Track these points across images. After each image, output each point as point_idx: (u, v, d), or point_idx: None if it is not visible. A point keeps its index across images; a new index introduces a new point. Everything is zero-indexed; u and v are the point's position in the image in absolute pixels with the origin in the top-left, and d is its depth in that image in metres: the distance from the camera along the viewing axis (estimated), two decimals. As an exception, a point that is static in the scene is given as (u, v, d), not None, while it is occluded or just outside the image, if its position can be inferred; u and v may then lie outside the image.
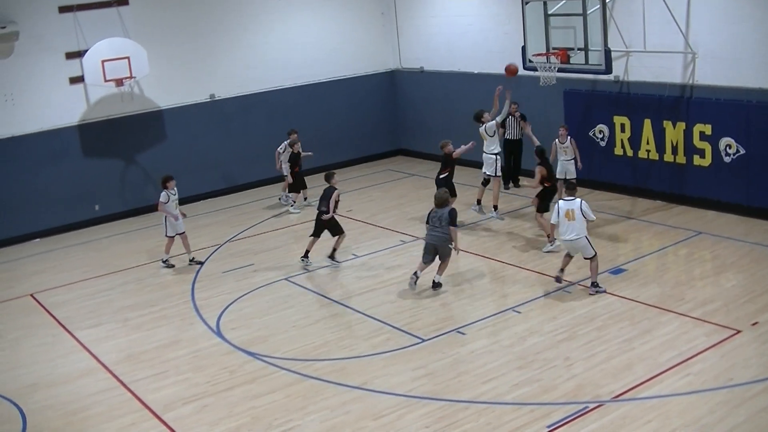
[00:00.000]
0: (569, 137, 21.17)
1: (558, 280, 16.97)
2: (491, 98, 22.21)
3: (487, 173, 21.75)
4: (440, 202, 17.46)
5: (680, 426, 11.54)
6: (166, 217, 20.03)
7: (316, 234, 19.46)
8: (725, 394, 12.30)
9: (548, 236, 18.98)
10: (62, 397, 14.28)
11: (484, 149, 21.63)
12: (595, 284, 16.45)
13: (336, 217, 19.29)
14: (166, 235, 20.29)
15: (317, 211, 19.36)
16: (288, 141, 24.04)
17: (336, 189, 19.25)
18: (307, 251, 19.50)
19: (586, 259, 16.49)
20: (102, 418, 13.45)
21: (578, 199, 16.39)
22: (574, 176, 21.08)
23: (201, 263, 20.43)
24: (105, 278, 20.20)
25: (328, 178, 19.49)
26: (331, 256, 19.49)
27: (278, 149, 24.35)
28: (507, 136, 24.07)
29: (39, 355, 16.14)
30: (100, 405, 13.87)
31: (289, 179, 23.83)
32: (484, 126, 21.52)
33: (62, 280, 20.28)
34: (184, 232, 20.41)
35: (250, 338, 15.89)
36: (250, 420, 12.88)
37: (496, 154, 21.63)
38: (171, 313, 17.59)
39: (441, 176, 21.07)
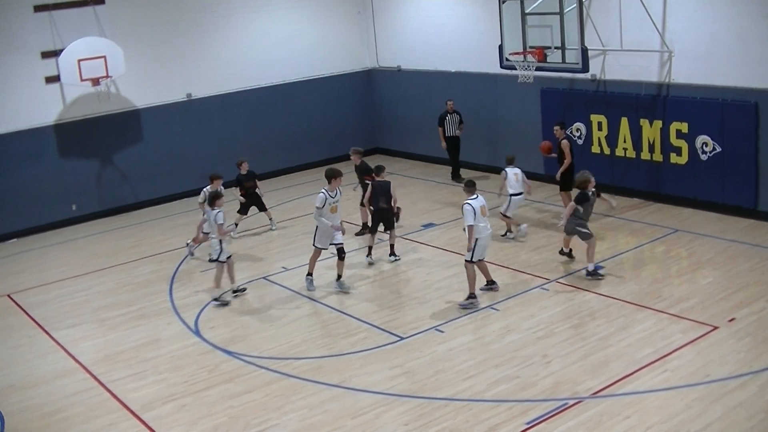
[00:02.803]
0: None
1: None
2: (468, 96, 22.17)
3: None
4: None
5: (657, 422, 11.61)
6: (221, 240, 17.64)
7: (375, 230, 19.22)
8: (702, 390, 12.37)
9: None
10: (40, 398, 14.21)
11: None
12: (492, 281, 17.00)
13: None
14: (218, 260, 17.76)
15: (378, 207, 18.95)
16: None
17: (390, 182, 19.08)
18: (371, 247, 19.23)
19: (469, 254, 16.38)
20: (80, 418, 13.39)
21: (480, 196, 16.29)
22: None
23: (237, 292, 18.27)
24: (82, 278, 20.12)
25: (379, 171, 19.18)
26: (392, 253, 19.24)
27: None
28: (447, 134, 25.48)
29: (16, 356, 16.05)
30: (78, 406, 13.82)
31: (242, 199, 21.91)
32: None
33: (39, 280, 20.19)
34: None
35: (228, 337, 15.87)
36: (228, 419, 12.86)
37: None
38: (149, 313, 17.54)
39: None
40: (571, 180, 20.29)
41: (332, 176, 17.47)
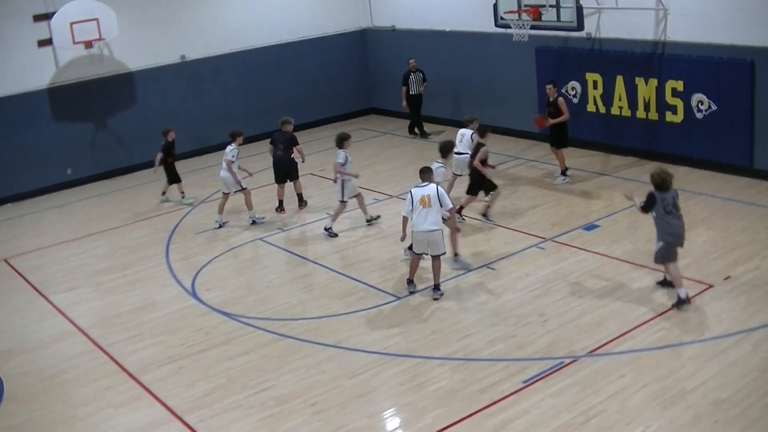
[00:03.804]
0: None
1: (410, 285, 15.40)
2: (463, 55, 22.04)
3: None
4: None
5: (653, 380, 11.67)
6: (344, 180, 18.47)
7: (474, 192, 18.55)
8: (697, 348, 12.43)
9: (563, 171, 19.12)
10: (38, 362, 14.26)
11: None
12: (437, 287, 15.07)
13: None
14: (342, 200, 18.61)
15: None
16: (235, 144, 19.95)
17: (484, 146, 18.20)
18: (462, 207, 18.50)
19: (433, 256, 14.94)
20: (79, 382, 13.45)
21: (433, 185, 14.70)
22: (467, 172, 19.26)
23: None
24: (78, 242, 20.11)
25: (483, 133, 18.35)
26: (485, 213, 18.66)
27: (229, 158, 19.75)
28: (411, 92, 26.24)
29: (14, 320, 16.09)
30: (76, 369, 13.87)
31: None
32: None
33: (36, 245, 20.19)
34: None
35: (224, 299, 15.90)
36: (226, 381, 12.91)
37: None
38: (145, 276, 17.56)
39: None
40: (566, 138, 20.36)
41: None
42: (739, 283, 14.37)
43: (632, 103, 21.54)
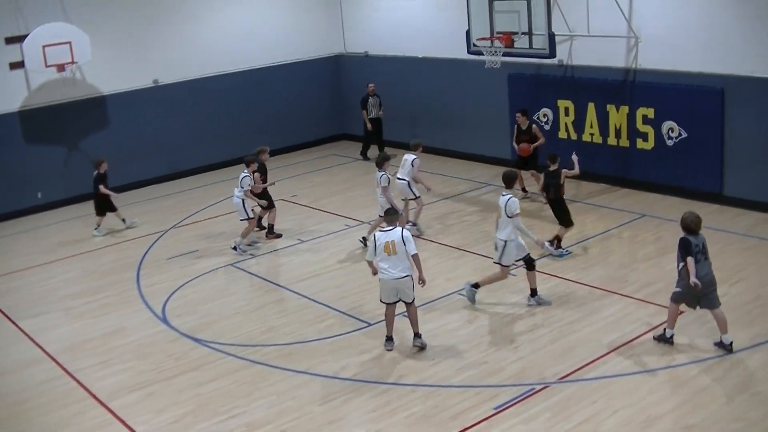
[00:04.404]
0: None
1: (389, 343, 14.20)
2: (435, 82, 22.11)
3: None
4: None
5: (624, 406, 11.69)
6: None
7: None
8: (668, 374, 12.48)
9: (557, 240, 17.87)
10: (6, 387, 14.11)
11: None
12: (418, 335, 14.02)
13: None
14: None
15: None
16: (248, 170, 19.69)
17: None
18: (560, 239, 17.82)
19: (405, 303, 13.85)
20: (47, 407, 13.31)
21: (398, 229, 13.64)
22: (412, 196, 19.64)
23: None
24: (48, 266, 19.97)
25: (553, 160, 17.79)
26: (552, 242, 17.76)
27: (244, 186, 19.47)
28: (370, 115, 26.77)
29: (-19, 345, 15.96)
30: (45, 395, 13.73)
31: None
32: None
33: (5, 269, 20.02)
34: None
35: (195, 325, 15.81)
36: (196, 407, 12.82)
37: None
38: (115, 301, 17.44)
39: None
40: (536, 158, 21.10)
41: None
42: (710, 309, 14.43)
43: (603, 130, 21.66)
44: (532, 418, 11.67)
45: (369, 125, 26.79)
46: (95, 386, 13.80)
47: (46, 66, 23.08)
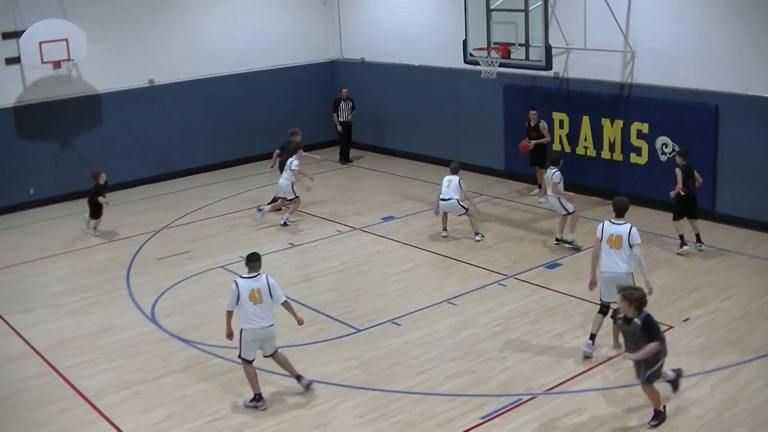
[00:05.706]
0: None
1: (259, 402, 12.77)
2: (431, 90, 22.21)
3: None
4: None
5: (610, 419, 11.71)
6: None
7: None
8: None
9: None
10: (-9, 382, 14.09)
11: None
12: (299, 377, 13.08)
13: None
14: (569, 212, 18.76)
15: None
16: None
17: None
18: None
19: (268, 356, 13.00)
20: (33, 404, 13.27)
21: (263, 276, 12.70)
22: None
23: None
24: (38, 263, 19.90)
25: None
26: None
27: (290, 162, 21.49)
28: (341, 119, 27.61)
29: (-32, 339, 15.91)
30: (30, 391, 13.68)
31: None
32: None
33: (-6, 264, 20.00)
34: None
35: (184, 325, 15.79)
36: (182, 408, 12.80)
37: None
38: (105, 300, 17.41)
39: None
40: (545, 156, 21.57)
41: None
42: (698, 324, 14.50)
43: (597, 144, 21.72)
44: (518, 428, 11.69)
45: (339, 127, 27.59)
46: (82, 384, 13.76)
47: (43, 62, 23.01)
